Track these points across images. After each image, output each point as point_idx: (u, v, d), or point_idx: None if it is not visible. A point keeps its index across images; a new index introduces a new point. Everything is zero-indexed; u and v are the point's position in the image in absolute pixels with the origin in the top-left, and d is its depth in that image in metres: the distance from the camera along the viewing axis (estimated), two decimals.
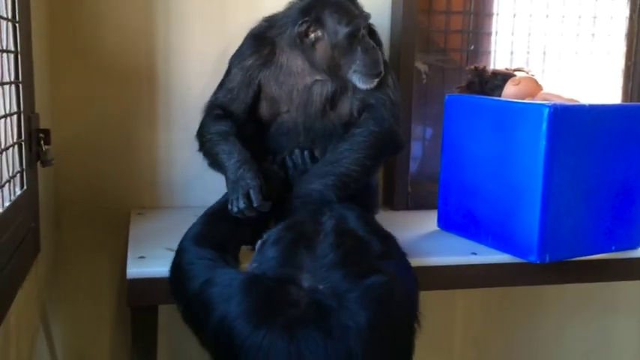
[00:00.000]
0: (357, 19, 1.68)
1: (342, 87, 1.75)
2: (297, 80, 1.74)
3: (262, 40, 1.76)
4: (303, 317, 1.08)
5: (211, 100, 1.79)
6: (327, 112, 1.76)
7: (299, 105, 1.75)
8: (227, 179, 1.61)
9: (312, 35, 1.68)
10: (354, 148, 1.65)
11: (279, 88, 1.75)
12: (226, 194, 1.61)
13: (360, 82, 1.70)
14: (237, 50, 1.79)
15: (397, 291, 1.18)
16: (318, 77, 1.74)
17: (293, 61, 1.74)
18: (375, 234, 1.38)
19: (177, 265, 1.41)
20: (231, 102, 1.76)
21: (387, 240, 1.43)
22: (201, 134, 1.74)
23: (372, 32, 1.80)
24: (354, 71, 1.69)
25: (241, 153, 1.62)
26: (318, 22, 1.67)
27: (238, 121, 1.74)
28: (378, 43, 1.79)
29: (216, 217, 1.57)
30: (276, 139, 1.78)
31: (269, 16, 1.78)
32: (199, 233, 1.48)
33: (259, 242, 1.29)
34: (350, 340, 1.07)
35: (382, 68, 1.69)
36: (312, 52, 1.70)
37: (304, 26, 1.67)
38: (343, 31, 1.67)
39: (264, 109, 1.78)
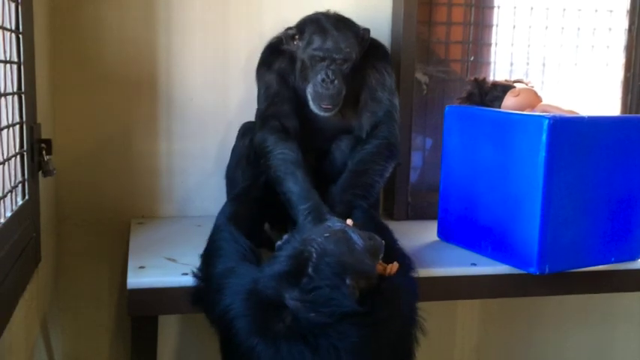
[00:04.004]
0: (329, 44, 1.72)
1: (350, 98, 1.80)
2: None
3: (278, 49, 1.82)
4: (287, 335, 1.21)
5: (262, 112, 1.82)
6: (339, 117, 1.83)
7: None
8: (297, 217, 1.66)
9: (295, 43, 1.77)
10: (375, 159, 1.76)
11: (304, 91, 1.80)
12: (250, 177, 1.78)
13: (312, 106, 1.76)
14: (260, 62, 1.85)
15: (398, 314, 1.31)
16: None
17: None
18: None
19: (212, 241, 1.51)
20: (280, 105, 1.80)
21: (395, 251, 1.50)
22: (263, 151, 1.75)
23: (376, 46, 1.83)
24: (309, 92, 1.75)
25: (309, 199, 1.65)
26: (300, 33, 1.76)
27: (292, 122, 1.79)
28: (384, 56, 1.84)
29: (245, 198, 1.70)
30: (311, 134, 1.84)
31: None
32: (233, 213, 1.59)
33: (278, 243, 1.43)
34: (342, 356, 1.19)
35: (335, 102, 1.73)
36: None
37: (289, 32, 1.77)
38: (308, 52, 1.74)
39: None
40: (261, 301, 1.26)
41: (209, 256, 1.48)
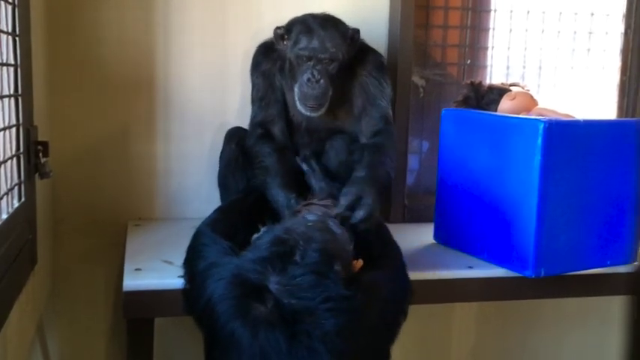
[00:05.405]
0: (315, 44, 1.72)
1: (342, 100, 1.80)
2: None
3: (271, 48, 1.83)
4: (267, 319, 1.21)
5: (251, 118, 1.86)
6: (331, 118, 1.82)
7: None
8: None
9: (284, 43, 1.77)
10: (385, 152, 1.77)
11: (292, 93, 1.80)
12: (241, 192, 1.82)
13: (299, 106, 1.76)
14: (251, 62, 1.86)
15: (374, 303, 1.32)
16: None
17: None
18: (379, 243, 1.53)
19: (192, 247, 1.52)
20: (266, 110, 1.83)
21: (387, 249, 1.53)
22: (251, 154, 1.82)
23: (371, 52, 1.83)
24: (295, 92, 1.75)
25: (282, 195, 1.69)
26: (288, 33, 1.76)
27: (278, 125, 1.83)
28: (379, 60, 1.83)
29: (230, 209, 1.73)
30: (302, 136, 1.86)
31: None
32: (215, 220, 1.61)
33: (255, 236, 1.40)
34: (314, 343, 1.19)
35: (320, 102, 1.73)
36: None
37: (278, 32, 1.77)
38: (294, 52, 1.74)
39: (290, 110, 1.85)
40: (244, 284, 1.26)
41: (191, 260, 1.48)
